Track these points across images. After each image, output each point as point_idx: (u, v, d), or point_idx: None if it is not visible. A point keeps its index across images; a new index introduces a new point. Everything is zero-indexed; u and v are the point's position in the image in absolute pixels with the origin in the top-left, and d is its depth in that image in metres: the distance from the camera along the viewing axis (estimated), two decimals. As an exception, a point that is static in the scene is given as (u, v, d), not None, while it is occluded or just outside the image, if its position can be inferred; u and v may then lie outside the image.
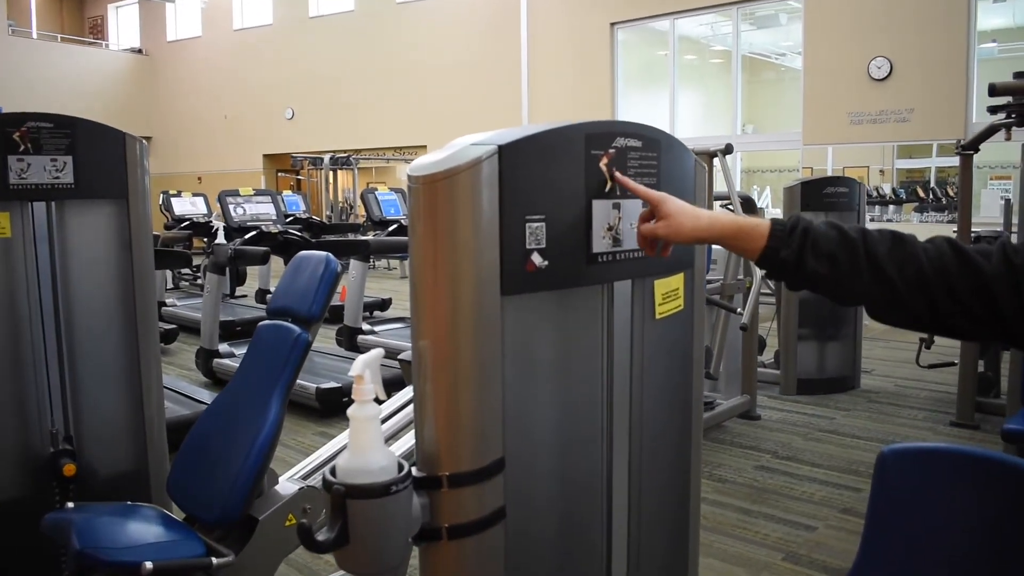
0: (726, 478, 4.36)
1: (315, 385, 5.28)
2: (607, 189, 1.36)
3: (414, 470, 1.22)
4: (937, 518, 1.42)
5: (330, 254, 2.49)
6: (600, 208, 1.35)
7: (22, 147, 2.54)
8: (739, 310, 4.57)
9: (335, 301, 7.68)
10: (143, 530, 2.24)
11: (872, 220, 12.90)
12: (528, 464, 1.31)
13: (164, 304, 8.54)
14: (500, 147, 1.20)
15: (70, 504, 2.42)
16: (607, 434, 1.45)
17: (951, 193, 12.91)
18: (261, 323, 2.52)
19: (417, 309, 1.23)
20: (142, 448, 2.82)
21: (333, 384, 5.30)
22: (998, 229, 6.19)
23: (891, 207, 13.72)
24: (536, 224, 1.24)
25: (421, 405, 1.23)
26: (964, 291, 1.12)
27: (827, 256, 1.20)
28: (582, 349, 1.39)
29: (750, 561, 3.36)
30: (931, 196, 13.50)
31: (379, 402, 1.18)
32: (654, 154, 1.45)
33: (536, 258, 1.25)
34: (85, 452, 2.70)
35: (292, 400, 2.41)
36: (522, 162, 1.23)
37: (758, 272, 4.49)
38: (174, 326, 7.66)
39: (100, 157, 2.68)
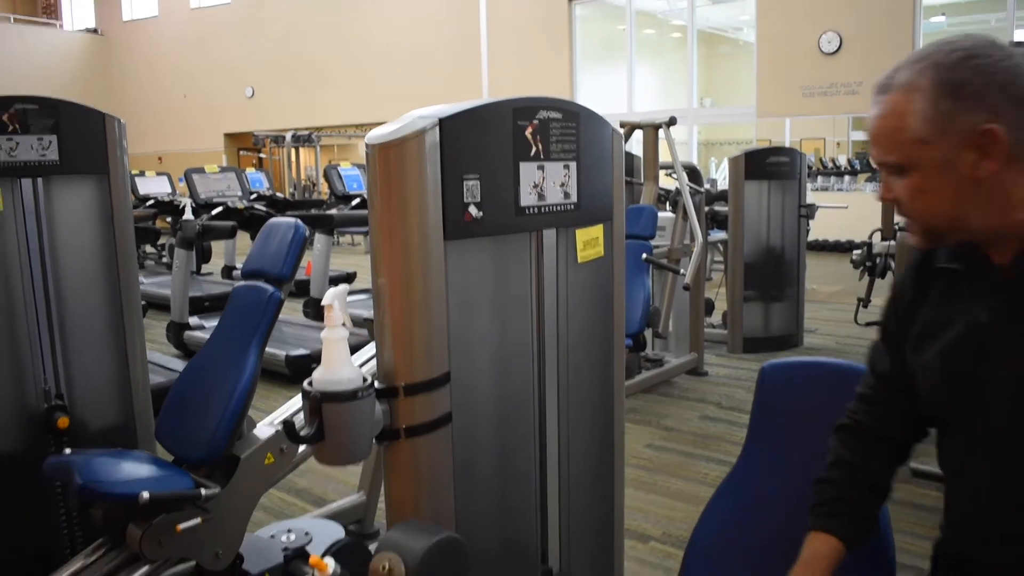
0: (672, 427, 4.70)
1: (284, 352, 5.53)
2: (532, 153, 1.64)
3: (376, 383, 1.50)
4: (811, 424, 1.72)
5: (298, 220, 2.75)
6: (526, 169, 1.63)
7: (11, 127, 2.75)
8: (682, 271, 4.90)
9: (302, 276, 7.89)
10: (137, 468, 2.49)
11: (826, 190, 13.35)
12: (470, 378, 1.60)
13: (132, 282, 8.68)
14: (441, 119, 1.48)
15: (67, 450, 2.67)
16: (539, 356, 1.75)
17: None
18: (237, 284, 2.77)
19: (376, 252, 1.50)
20: (128, 404, 3.06)
21: (302, 351, 5.56)
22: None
23: (846, 178, 14.18)
24: (472, 182, 1.53)
25: (380, 331, 1.51)
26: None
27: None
28: (515, 285, 1.68)
29: (691, 497, 3.70)
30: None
31: (347, 327, 1.46)
32: (573, 125, 1.73)
33: (473, 210, 1.53)
34: (76, 408, 2.93)
35: (263, 367, 2.67)
36: (460, 132, 1.51)
37: (699, 236, 4.81)
38: (143, 303, 7.82)
39: (82, 136, 2.91)
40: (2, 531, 2.73)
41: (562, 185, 1.72)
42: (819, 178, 14.41)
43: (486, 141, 1.56)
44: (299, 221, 2.73)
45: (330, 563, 1.18)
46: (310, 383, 1.44)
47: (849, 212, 9.88)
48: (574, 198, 1.76)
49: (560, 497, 1.87)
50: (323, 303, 1.43)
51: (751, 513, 1.69)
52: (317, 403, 1.41)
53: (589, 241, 1.82)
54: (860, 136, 15.05)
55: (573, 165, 1.74)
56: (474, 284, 1.60)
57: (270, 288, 2.65)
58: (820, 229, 11.26)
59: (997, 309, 1.13)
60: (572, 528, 1.91)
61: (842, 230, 12.41)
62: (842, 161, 14.52)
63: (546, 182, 1.67)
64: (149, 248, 11.05)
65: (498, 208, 1.58)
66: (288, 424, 1.43)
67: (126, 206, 3.06)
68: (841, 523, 1.31)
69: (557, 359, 1.80)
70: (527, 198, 1.64)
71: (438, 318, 1.51)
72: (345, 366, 1.44)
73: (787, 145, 12.71)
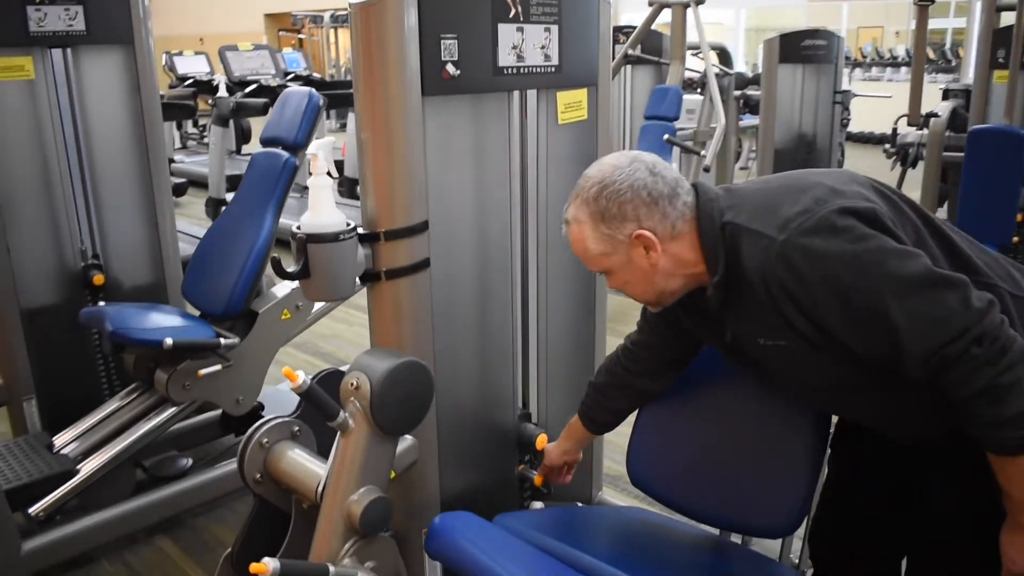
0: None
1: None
2: (511, 15, 1.71)
3: (360, 229, 1.63)
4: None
5: (313, 89, 2.84)
6: (505, 30, 1.71)
7: (39, -2, 2.86)
8: (702, 152, 4.91)
9: (337, 156, 8.01)
10: (164, 319, 2.69)
11: (879, 80, 12.92)
12: (448, 228, 1.72)
13: (173, 160, 8.89)
14: (419, -21, 1.55)
15: (102, 303, 2.89)
16: (522, 212, 1.87)
17: (961, 54, 12.88)
18: (255, 152, 2.91)
19: (360, 109, 1.61)
20: (159, 265, 3.25)
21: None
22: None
23: (902, 68, 13.70)
24: (449, 41, 1.61)
25: (364, 181, 1.64)
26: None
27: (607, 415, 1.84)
28: (494, 143, 1.78)
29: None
30: (942, 58, 13.47)
31: (331, 176, 1.59)
32: (556, -10, 1.79)
33: (450, 68, 1.62)
34: (111, 267, 3.13)
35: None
36: (438, -9, 1.58)
37: (722, 119, 4.80)
38: (183, 180, 8.04)
39: (107, 6, 3.00)
40: (49, 375, 2.98)
41: (543, 48, 1.79)
42: (873, 68, 13.97)
43: (464, 2, 1.63)
44: (313, 90, 2.83)
45: (300, 375, 1.33)
46: (298, 227, 1.57)
47: (897, 103, 9.60)
48: (555, 61, 1.83)
49: (539, 347, 2.01)
50: (307, 152, 1.55)
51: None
52: (303, 244, 1.55)
53: (571, 104, 1.90)
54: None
55: (555, 28, 1.81)
56: (453, 139, 1.70)
57: (285, 154, 2.77)
58: (866, 121, 11.00)
59: (729, 318, 1.43)
60: (551, 378, 2.07)
61: (889, 122, 12.07)
62: (900, 51, 14.01)
63: (525, 44, 1.75)
64: (191, 128, 11.22)
65: (476, 67, 1.67)
66: (275, 260, 1.57)
67: (151, 76, 3.17)
68: (589, 421, 1.84)
69: (537, 215, 1.91)
70: (505, 59, 1.72)
71: (416, 170, 1.62)
72: (329, 211, 1.57)
73: (844, 33, 12.29)
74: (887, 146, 5.88)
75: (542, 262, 1.95)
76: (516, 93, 1.80)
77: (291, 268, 1.56)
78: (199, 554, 2.59)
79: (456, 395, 1.85)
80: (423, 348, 1.72)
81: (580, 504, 2.04)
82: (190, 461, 2.90)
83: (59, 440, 2.67)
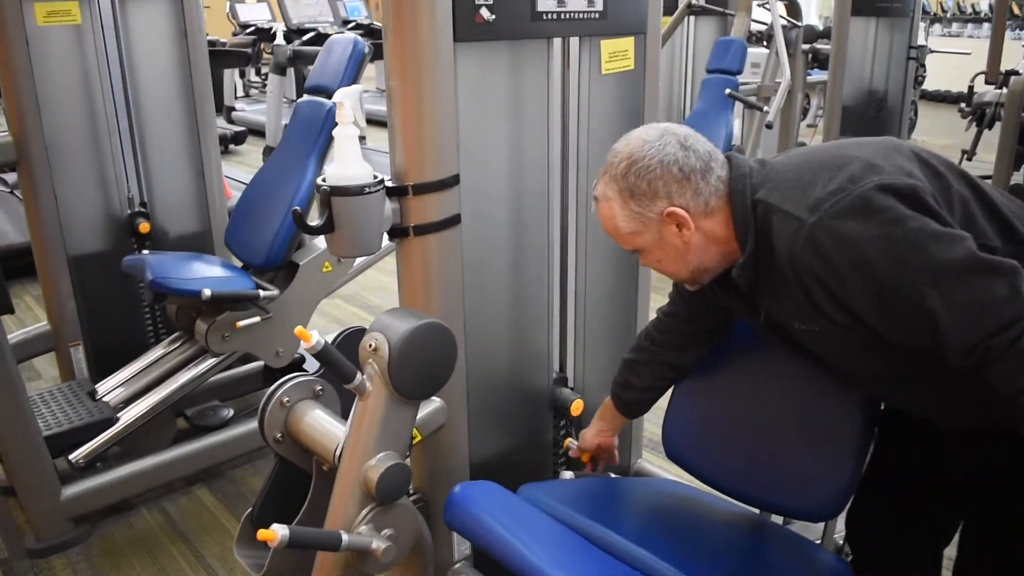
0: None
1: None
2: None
3: (388, 182, 1.56)
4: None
5: (358, 37, 2.77)
6: (545, -28, 1.60)
7: (84, -60, 2.82)
8: (765, 108, 4.71)
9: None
10: (205, 269, 2.67)
11: (959, 36, 12.33)
12: (481, 183, 1.64)
13: (234, 109, 8.93)
14: (452, -82, 1.45)
15: (145, 251, 2.89)
16: (563, 166, 1.78)
17: (1051, 10, 12.19)
18: (299, 100, 2.85)
19: (389, 55, 1.53)
20: (205, 213, 3.24)
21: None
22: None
23: (985, 25, 13.03)
24: (484, -17, 1.51)
25: (393, 133, 1.56)
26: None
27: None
28: (533, 93, 1.68)
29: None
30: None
31: (357, 126, 1.51)
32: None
33: (484, 12, 1.53)
34: (157, 216, 3.12)
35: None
36: (472, -69, 1.48)
37: (787, 73, 4.59)
38: (243, 128, 8.07)
39: (152, -51, 2.96)
40: (96, 322, 3.00)
41: (586, -8, 1.68)
42: (954, 24, 13.31)
43: (501, -59, 1.53)
44: (358, 37, 2.75)
45: (314, 335, 1.27)
46: (323, 179, 1.51)
47: (976, 60, 9.12)
48: (599, 7, 1.72)
49: (577, 309, 1.93)
50: (334, 99, 1.47)
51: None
52: (327, 196, 1.48)
53: (616, 53, 1.79)
54: (1010, -24, 13.65)
55: (600, -29, 1.69)
56: (487, 89, 1.61)
57: (328, 103, 2.71)
58: (943, 79, 10.52)
59: (762, 299, 1.38)
60: (589, 342, 1.99)
61: (967, 80, 11.52)
62: (983, 7, 13.30)
63: (568, -13, 1.64)
64: (254, 76, 11.25)
65: (512, 12, 1.57)
66: (297, 214, 1.51)
67: (199, 22, 3.12)
68: (619, 400, 1.80)
69: (578, 170, 1.82)
70: (545, 3, 1.61)
71: (447, 120, 1.54)
72: (355, 163, 1.49)
73: (925, -14, 11.69)
74: (963, 105, 5.58)
75: (582, 220, 1.86)
76: (557, 41, 1.70)
77: (314, 222, 1.49)
78: (236, 505, 2.60)
79: (487, 357, 1.79)
80: (453, 307, 1.66)
81: (613, 475, 1.97)
82: (231, 412, 2.91)
83: (102, 387, 2.69)
